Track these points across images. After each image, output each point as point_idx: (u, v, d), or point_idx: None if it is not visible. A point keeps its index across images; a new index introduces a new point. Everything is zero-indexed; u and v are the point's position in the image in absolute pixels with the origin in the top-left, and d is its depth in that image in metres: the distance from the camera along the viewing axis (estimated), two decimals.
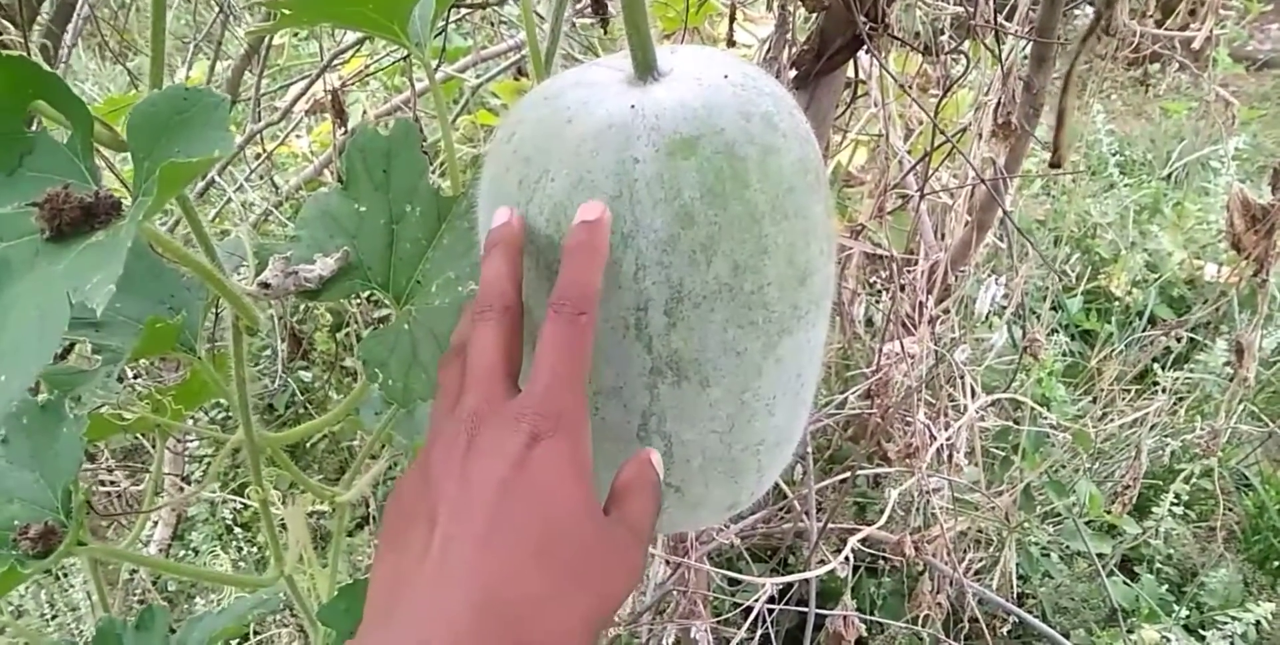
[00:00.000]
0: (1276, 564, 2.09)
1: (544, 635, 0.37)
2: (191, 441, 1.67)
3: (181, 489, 1.68)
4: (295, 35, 2.87)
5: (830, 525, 1.60)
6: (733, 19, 1.25)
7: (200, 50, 2.14)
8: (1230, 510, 2.19)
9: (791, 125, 0.49)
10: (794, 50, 1.13)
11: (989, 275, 2.00)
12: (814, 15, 1.12)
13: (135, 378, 2.08)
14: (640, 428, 0.50)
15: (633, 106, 0.46)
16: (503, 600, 0.37)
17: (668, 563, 1.30)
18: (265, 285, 0.68)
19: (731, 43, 1.29)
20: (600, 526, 0.41)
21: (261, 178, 2.27)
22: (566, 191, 0.46)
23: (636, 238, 0.45)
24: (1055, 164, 1.05)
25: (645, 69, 0.48)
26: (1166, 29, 1.63)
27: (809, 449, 1.43)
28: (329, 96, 1.51)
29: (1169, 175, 3.40)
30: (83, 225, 0.51)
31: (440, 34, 1.44)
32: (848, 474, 1.55)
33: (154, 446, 1.12)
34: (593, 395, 0.50)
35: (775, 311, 0.48)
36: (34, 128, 0.57)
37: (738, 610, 1.31)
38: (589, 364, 0.44)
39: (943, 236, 1.86)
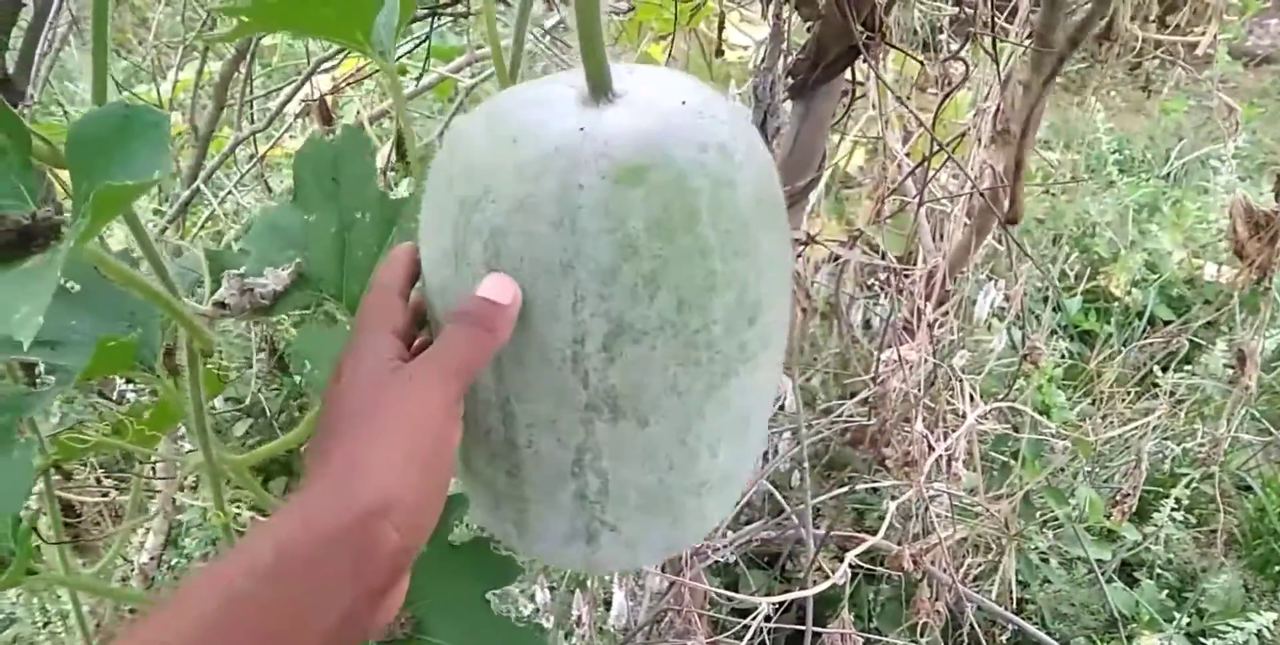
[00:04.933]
0: (1277, 569, 2.08)
1: (371, 470, 0.42)
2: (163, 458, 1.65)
3: (173, 499, 1.66)
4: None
5: (830, 533, 1.59)
6: (721, 26, 1.23)
7: (193, 50, 2.11)
8: (1230, 515, 2.18)
9: (749, 156, 0.47)
10: (790, 60, 1.11)
11: (988, 278, 1.98)
12: (810, 23, 1.10)
13: (127, 383, 2.06)
14: (574, 463, 0.49)
15: (582, 129, 0.44)
16: (336, 459, 0.44)
17: (663, 578, 1.29)
18: (222, 304, 0.66)
19: (720, 52, 1.27)
20: (383, 374, 0.46)
21: (256, 179, 2.24)
22: (506, 214, 0.44)
23: (576, 268, 0.43)
24: (1012, 219, 1.02)
25: (599, 90, 0.46)
26: (1169, 32, 1.61)
27: (805, 460, 1.42)
28: (317, 102, 1.49)
29: (1168, 173, 3.38)
30: (18, 249, 0.49)
31: (425, 39, 1.41)
32: (845, 488, 1.53)
33: (143, 458, 1.10)
34: (526, 427, 0.49)
35: (720, 351, 0.46)
36: None
37: (739, 627, 1.29)
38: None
39: (941, 238, 1.84)
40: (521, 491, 0.52)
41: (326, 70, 1.77)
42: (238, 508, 1.82)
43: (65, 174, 0.59)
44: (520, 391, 0.47)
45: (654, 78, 0.49)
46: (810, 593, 1.16)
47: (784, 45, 1.14)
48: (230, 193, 1.95)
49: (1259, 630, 1.74)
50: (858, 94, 1.46)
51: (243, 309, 0.65)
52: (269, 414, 2.46)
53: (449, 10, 1.20)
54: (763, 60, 1.13)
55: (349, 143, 0.68)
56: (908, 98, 1.62)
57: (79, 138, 0.51)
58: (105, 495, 1.73)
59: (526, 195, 0.43)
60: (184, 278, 0.71)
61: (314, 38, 1.36)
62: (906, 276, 1.70)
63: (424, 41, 1.35)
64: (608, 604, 1.52)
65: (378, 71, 2.02)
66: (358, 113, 2.36)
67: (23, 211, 0.49)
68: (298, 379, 2.48)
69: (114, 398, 1.81)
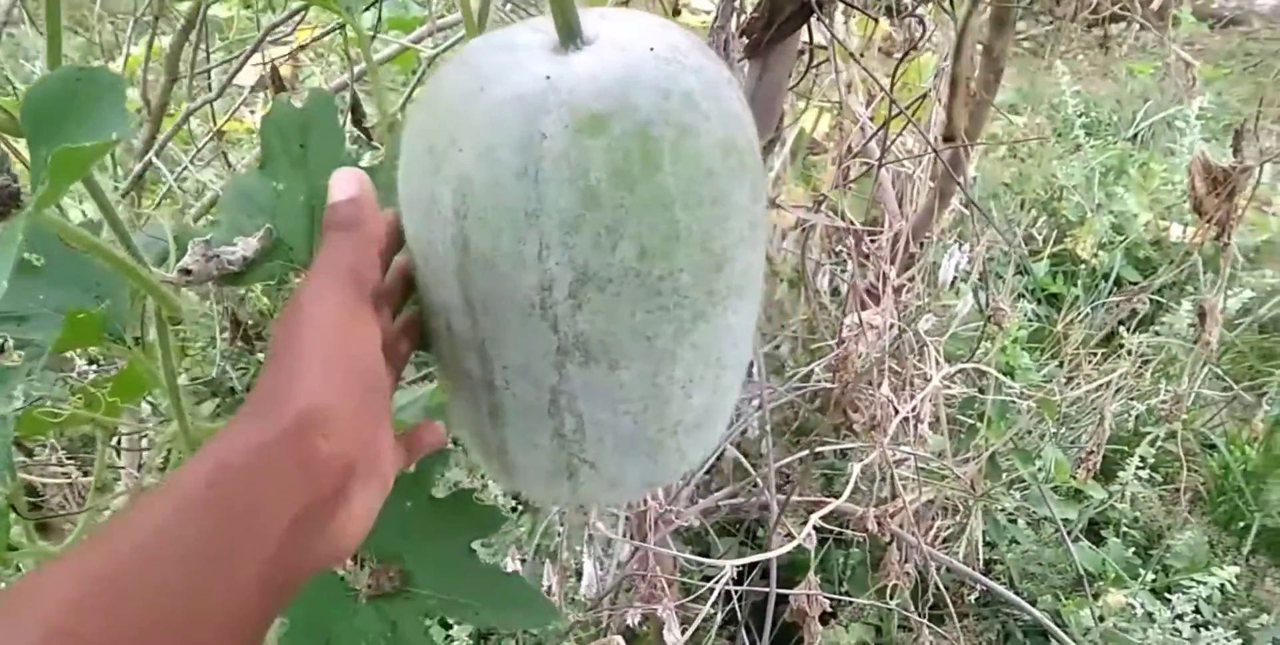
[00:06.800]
0: (1241, 525, 2.11)
1: (291, 385, 0.43)
2: (126, 432, 1.63)
3: (138, 477, 1.64)
4: (246, 6, 2.79)
5: (796, 498, 1.59)
6: None
7: (146, 25, 2.07)
8: (1195, 472, 2.20)
9: (715, 105, 0.46)
10: (743, 19, 1.10)
11: (954, 242, 1.98)
12: None
13: (91, 364, 2.03)
14: (550, 403, 0.50)
15: (548, 77, 0.44)
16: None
17: (629, 544, 1.29)
18: (186, 271, 0.65)
19: (677, 11, 1.25)
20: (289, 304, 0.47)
21: (214, 153, 2.21)
22: (473, 163, 0.44)
23: (540, 217, 0.43)
24: (949, 137, 1.01)
25: (568, 36, 0.46)
26: None
27: (768, 425, 1.42)
28: (269, 69, 1.47)
29: (1135, 136, 3.39)
30: None
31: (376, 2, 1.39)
32: (809, 451, 1.54)
33: (111, 436, 1.09)
34: (502, 369, 0.49)
35: (688, 297, 0.47)
36: None
37: (704, 588, 1.30)
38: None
39: (908, 202, 1.84)
40: (504, 432, 0.53)
41: (285, 42, 1.74)
42: None
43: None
44: (494, 336, 0.48)
45: (625, 23, 0.49)
46: (773, 555, 1.16)
47: (736, 3, 1.12)
48: (187, 168, 1.92)
49: (1221, 585, 1.77)
50: (821, 59, 1.45)
51: (209, 275, 0.64)
52: (237, 392, 2.44)
53: None
54: (715, 19, 1.11)
55: (317, 107, 0.66)
56: (867, 59, 1.61)
57: (33, 103, 0.50)
58: (68, 476, 1.71)
59: (492, 144, 0.44)
60: (152, 248, 0.70)
61: None
62: (872, 241, 1.70)
63: (373, 4, 1.32)
64: (579, 574, 1.52)
65: (337, 42, 1.98)
66: (318, 86, 2.32)
67: None
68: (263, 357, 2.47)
69: (75, 376, 1.78)
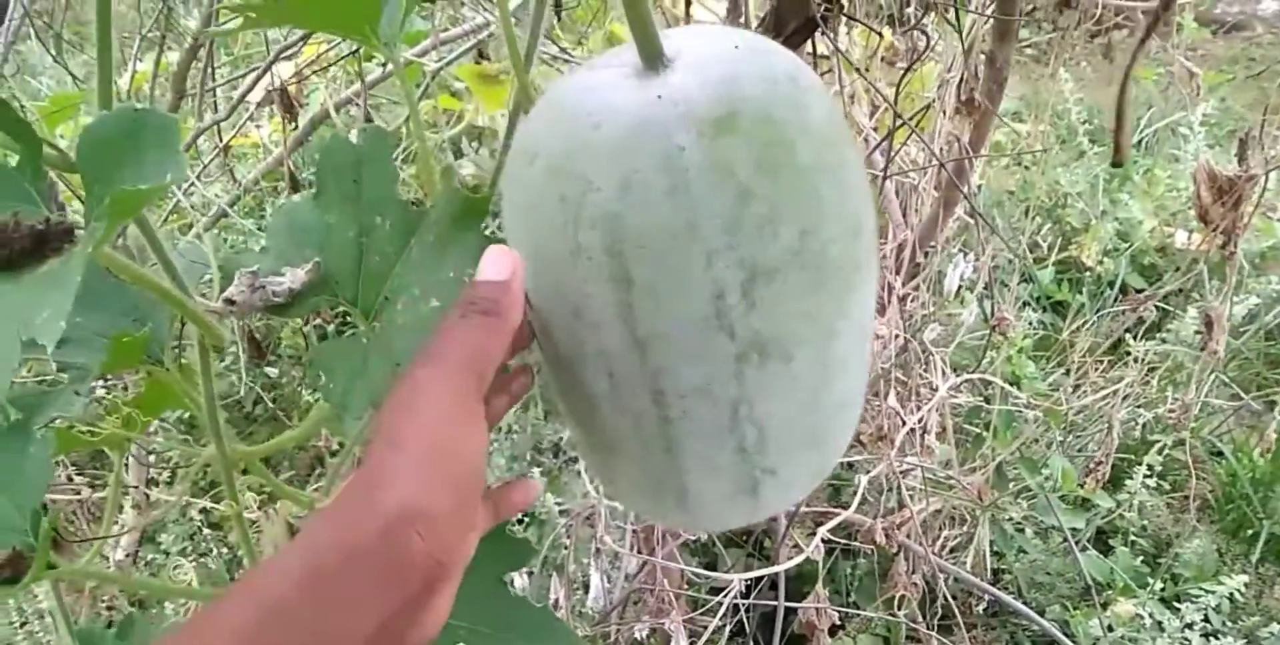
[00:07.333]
0: (1249, 533, 2.11)
1: (392, 480, 0.42)
2: (159, 449, 1.64)
3: (147, 496, 1.65)
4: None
5: (804, 510, 1.59)
6: (689, 2, 1.22)
7: (151, 43, 2.08)
8: (1203, 480, 2.20)
9: (811, 80, 0.48)
10: None
11: (959, 251, 1.98)
12: None
13: (98, 379, 2.03)
14: (730, 419, 0.50)
15: (660, 97, 0.45)
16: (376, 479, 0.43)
17: (637, 558, 1.29)
18: (231, 301, 0.65)
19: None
20: (397, 388, 0.46)
21: (220, 169, 2.22)
22: (616, 197, 0.44)
23: (700, 226, 0.44)
24: (1118, 163, 1.03)
25: (654, 58, 0.47)
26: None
27: None
28: (278, 91, 1.48)
29: (1139, 142, 3.39)
30: (34, 254, 0.49)
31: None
32: None
33: (121, 455, 1.09)
34: (679, 399, 0.49)
35: (840, 268, 0.48)
36: None
37: (713, 602, 1.30)
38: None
39: (914, 212, 1.84)
40: (680, 464, 0.52)
41: (289, 57, 1.74)
42: (223, 507, 1.81)
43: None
44: (668, 366, 0.48)
45: (694, 34, 0.50)
46: (781, 568, 1.16)
47: (742, 18, 1.13)
48: (194, 184, 1.93)
49: (1230, 594, 1.76)
50: (826, 69, 1.46)
51: (253, 307, 0.64)
52: (244, 407, 2.44)
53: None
54: None
55: (373, 144, 0.66)
56: (871, 70, 1.61)
57: (90, 142, 0.51)
58: (78, 493, 1.72)
59: (631, 172, 0.44)
60: (191, 272, 0.70)
61: (320, 32, 1.34)
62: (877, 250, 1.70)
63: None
64: (586, 587, 1.52)
65: (342, 58, 1.99)
66: (323, 102, 2.33)
67: (37, 217, 0.49)
68: (273, 371, 2.47)
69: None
